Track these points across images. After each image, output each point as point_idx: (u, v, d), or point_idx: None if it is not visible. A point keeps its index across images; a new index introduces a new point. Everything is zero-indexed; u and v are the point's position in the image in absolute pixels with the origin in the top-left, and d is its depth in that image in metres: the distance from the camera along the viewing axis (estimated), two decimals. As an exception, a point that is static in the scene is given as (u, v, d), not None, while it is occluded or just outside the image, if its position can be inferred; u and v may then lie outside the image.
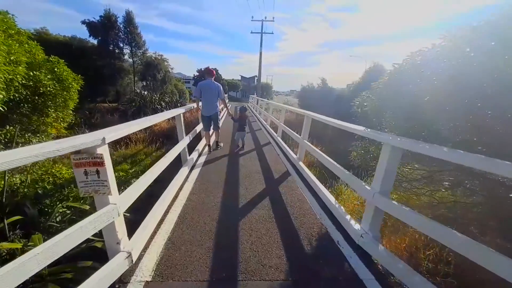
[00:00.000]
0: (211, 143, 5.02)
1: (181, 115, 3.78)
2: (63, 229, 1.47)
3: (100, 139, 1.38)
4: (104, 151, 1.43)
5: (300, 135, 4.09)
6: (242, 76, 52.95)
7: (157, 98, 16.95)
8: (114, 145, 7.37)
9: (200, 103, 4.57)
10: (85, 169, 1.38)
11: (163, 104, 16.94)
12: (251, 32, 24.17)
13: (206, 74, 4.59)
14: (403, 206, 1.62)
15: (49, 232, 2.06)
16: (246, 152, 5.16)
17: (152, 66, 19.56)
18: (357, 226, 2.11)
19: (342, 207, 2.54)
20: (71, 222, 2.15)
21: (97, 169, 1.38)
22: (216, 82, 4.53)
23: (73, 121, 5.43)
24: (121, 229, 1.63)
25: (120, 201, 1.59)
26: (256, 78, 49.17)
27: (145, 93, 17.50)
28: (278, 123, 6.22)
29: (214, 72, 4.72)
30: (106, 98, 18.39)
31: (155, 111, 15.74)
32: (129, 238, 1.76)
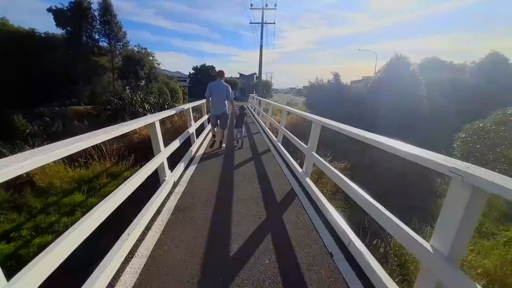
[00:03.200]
0: (220, 139, 5.33)
1: (157, 123, 2.93)
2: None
3: None
4: None
5: (307, 145, 3.40)
6: (240, 74, 50.86)
7: (138, 99, 14.82)
8: (71, 162, 6.05)
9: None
10: None
11: (146, 106, 14.86)
12: (250, 23, 21.95)
13: (217, 75, 5.04)
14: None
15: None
16: (242, 162, 4.56)
17: (133, 61, 17.36)
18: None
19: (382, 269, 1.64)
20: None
21: None
22: (225, 83, 4.87)
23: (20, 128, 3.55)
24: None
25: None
26: (255, 75, 48.18)
27: (126, 93, 15.22)
28: (279, 127, 5.73)
29: (224, 74, 5.09)
30: (81, 101, 16.28)
31: (135, 115, 13.70)
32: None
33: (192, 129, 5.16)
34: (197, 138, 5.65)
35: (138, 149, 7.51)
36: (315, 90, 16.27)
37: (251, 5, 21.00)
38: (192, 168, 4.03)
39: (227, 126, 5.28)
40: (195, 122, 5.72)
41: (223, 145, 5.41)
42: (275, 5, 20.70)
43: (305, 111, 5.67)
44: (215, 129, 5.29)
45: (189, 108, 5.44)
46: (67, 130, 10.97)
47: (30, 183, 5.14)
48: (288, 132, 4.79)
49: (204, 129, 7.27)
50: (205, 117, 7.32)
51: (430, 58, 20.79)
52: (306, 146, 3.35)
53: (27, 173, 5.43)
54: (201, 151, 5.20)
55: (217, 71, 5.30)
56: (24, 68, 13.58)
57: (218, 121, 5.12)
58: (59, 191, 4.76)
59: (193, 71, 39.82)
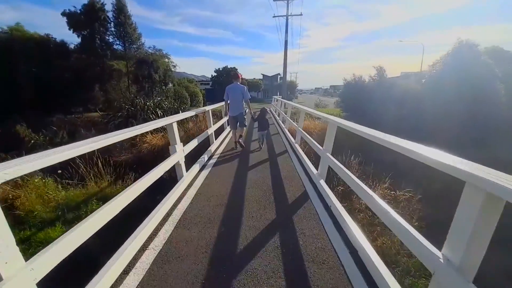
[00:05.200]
0: (237, 139, 5.46)
1: (174, 125, 3.07)
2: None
3: None
4: None
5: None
6: (263, 75, 50.32)
7: (151, 104, 13.90)
8: (62, 175, 5.72)
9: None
10: None
11: (159, 112, 13.88)
12: (274, 16, 20.36)
13: (232, 78, 5.34)
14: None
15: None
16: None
17: (146, 63, 16.61)
18: None
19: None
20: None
21: None
22: (241, 85, 5.17)
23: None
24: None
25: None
26: (279, 76, 47.19)
27: (138, 98, 14.38)
28: (297, 128, 5.67)
29: (240, 76, 5.44)
30: (97, 107, 15.94)
31: (146, 121, 12.64)
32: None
33: (210, 130, 5.40)
34: (216, 139, 5.83)
35: (147, 162, 6.69)
36: (352, 89, 13.95)
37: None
38: (205, 171, 3.90)
39: (246, 126, 5.47)
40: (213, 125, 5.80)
41: (243, 144, 5.56)
42: (302, -7, 18.73)
43: (340, 116, 5.63)
44: (235, 130, 5.48)
45: (209, 111, 5.63)
46: (73, 140, 10.17)
47: (9, 208, 4.48)
48: (307, 136, 4.65)
49: (223, 130, 7.35)
50: (224, 119, 7.22)
51: (490, 47, 17.22)
52: (321, 148, 3.29)
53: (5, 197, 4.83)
54: (220, 150, 5.43)
55: (233, 72, 5.89)
56: (37, 75, 13.52)
57: (238, 122, 5.31)
58: (38, 221, 4.33)
59: (215, 74, 39.88)
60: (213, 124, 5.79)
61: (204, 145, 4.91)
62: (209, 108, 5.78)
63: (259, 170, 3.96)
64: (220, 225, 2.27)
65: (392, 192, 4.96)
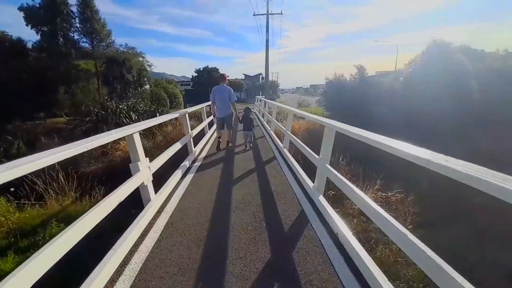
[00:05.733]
0: (225, 141, 5.70)
1: (136, 136, 2.44)
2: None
3: None
4: None
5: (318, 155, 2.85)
6: (245, 75, 50.10)
7: (125, 107, 12.83)
8: (15, 194, 4.67)
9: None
10: None
11: (133, 116, 12.86)
12: (254, 15, 20.15)
13: (219, 79, 5.37)
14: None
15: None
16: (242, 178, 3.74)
17: (117, 63, 15.33)
18: None
19: None
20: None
21: None
22: (227, 86, 5.23)
23: None
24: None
25: None
26: (261, 76, 47.13)
27: (108, 100, 13.18)
28: (285, 132, 5.07)
29: (226, 77, 5.44)
30: (63, 112, 14.40)
31: (119, 126, 11.59)
32: None
33: (187, 138, 4.63)
34: (195, 146, 5.26)
35: (119, 172, 5.92)
36: (334, 88, 13.88)
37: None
38: (181, 189, 3.32)
39: (232, 127, 5.64)
40: (191, 130, 5.10)
41: (230, 144, 5.84)
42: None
43: (323, 115, 5.59)
44: (221, 131, 5.58)
45: (185, 114, 4.91)
46: (32, 151, 8.98)
47: None
48: (299, 141, 4.06)
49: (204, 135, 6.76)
50: (204, 123, 6.90)
51: (459, 46, 18.14)
52: (317, 157, 2.84)
53: None
54: (201, 156, 5.02)
55: (220, 74, 5.72)
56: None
57: (225, 123, 5.39)
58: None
59: (196, 74, 38.82)
60: (191, 130, 5.06)
61: (181, 152, 4.26)
62: (184, 112, 4.93)
63: (246, 184, 3.45)
64: (196, 276, 1.69)
65: (383, 194, 4.71)
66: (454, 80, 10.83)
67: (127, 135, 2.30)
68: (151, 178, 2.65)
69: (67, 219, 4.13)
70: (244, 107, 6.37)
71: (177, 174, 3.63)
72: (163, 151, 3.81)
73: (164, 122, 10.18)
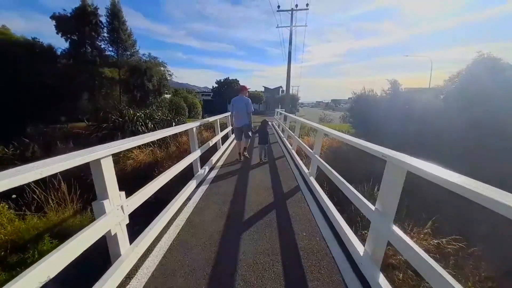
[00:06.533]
0: (241, 151, 5.69)
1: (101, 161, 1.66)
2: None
3: None
4: None
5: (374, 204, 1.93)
6: (265, 88, 50.94)
7: (141, 115, 12.62)
8: (17, 202, 4.38)
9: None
10: None
11: (149, 124, 12.58)
12: (277, 27, 19.79)
13: (239, 90, 5.51)
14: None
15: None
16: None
17: (139, 71, 15.45)
18: None
19: None
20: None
21: None
22: (245, 97, 5.37)
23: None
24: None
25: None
26: (281, 89, 46.84)
27: (126, 108, 13.11)
28: (313, 156, 3.97)
29: (246, 89, 5.60)
30: (84, 117, 14.61)
31: (134, 134, 11.30)
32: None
33: (195, 155, 3.98)
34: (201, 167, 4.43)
35: (128, 181, 5.25)
36: (362, 103, 12.74)
37: (278, 6, 18.83)
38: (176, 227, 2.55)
39: (250, 137, 5.68)
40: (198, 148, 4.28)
41: (246, 153, 5.85)
42: (307, 4, 17.97)
43: (348, 133, 4.79)
44: (239, 141, 5.62)
45: (193, 128, 4.10)
46: (47, 155, 8.81)
47: None
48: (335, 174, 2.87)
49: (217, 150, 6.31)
50: (217, 137, 6.45)
51: (507, 63, 16.40)
52: (372, 207, 1.83)
53: None
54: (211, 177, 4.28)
55: (240, 86, 5.95)
56: (20, 80, 12.31)
57: (242, 133, 5.46)
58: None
59: (216, 85, 39.65)
60: (198, 148, 4.22)
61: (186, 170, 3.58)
62: (193, 125, 4.09)
63: (260, 233, 2.45)
64: None
65: (435, 241, 3.50)
66: (505, 99, 9.38)
67: (94, 160, 1.52)
68: (127, 221, 1.82)
69: (63, 234, 3.68)
70: (262, 119, 6.10)
71: (170, 209, 2.73)
72: (174, 163, 3.30)
73: (179, 132, 9.62)
